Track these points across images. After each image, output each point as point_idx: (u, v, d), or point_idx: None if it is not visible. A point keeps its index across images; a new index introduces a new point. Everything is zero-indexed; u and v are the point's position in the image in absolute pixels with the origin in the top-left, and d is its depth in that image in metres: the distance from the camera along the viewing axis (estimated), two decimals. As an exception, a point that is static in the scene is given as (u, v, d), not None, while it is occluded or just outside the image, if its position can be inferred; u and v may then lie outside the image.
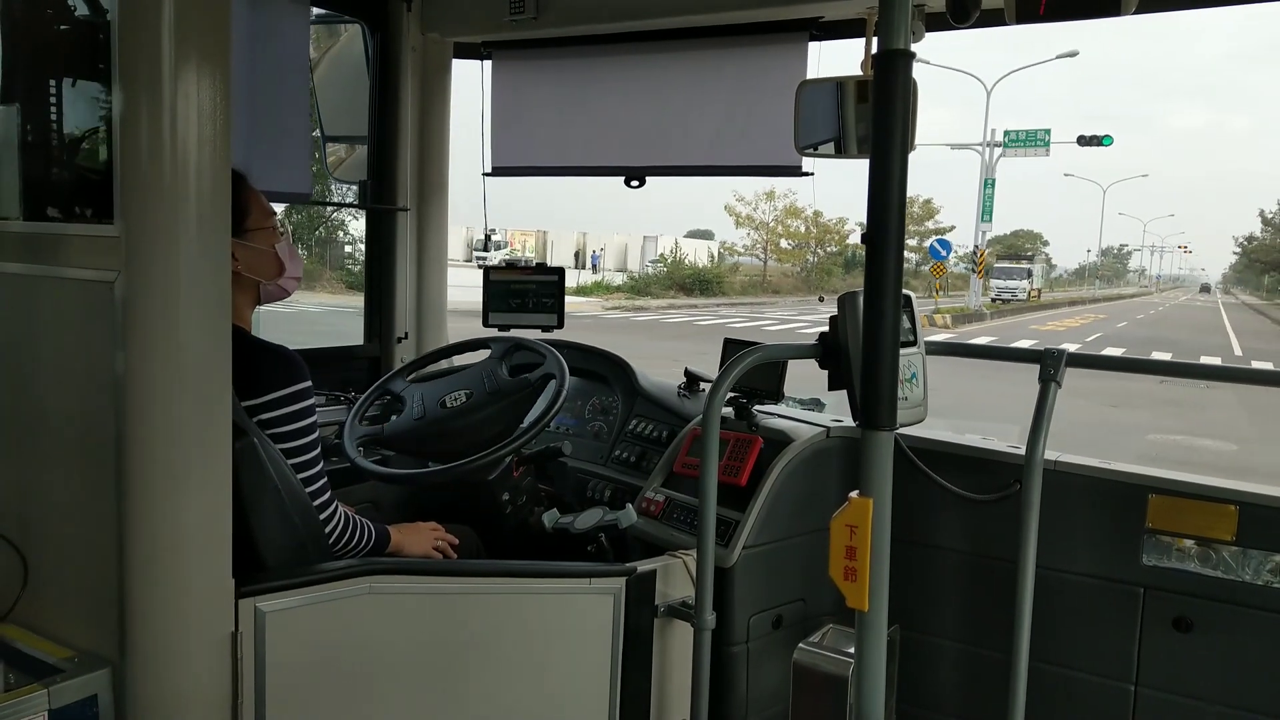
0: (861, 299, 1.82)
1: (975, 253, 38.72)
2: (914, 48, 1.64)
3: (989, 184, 36.26)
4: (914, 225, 55.31)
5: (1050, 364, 2.46)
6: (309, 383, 2.18)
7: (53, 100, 1.95)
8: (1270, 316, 53.54)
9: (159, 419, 1.69)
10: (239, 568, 1.82)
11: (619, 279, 43.88)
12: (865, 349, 1.63)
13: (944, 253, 34.42)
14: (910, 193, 1.66)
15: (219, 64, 1.70)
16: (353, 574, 1.96)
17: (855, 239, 59.99)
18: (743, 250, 57.81)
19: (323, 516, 2.19)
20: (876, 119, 1.57)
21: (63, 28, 1.97)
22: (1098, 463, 2.57)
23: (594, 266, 42.60)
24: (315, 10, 3.34)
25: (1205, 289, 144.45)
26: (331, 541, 2.22)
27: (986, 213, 36.87)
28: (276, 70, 3.16)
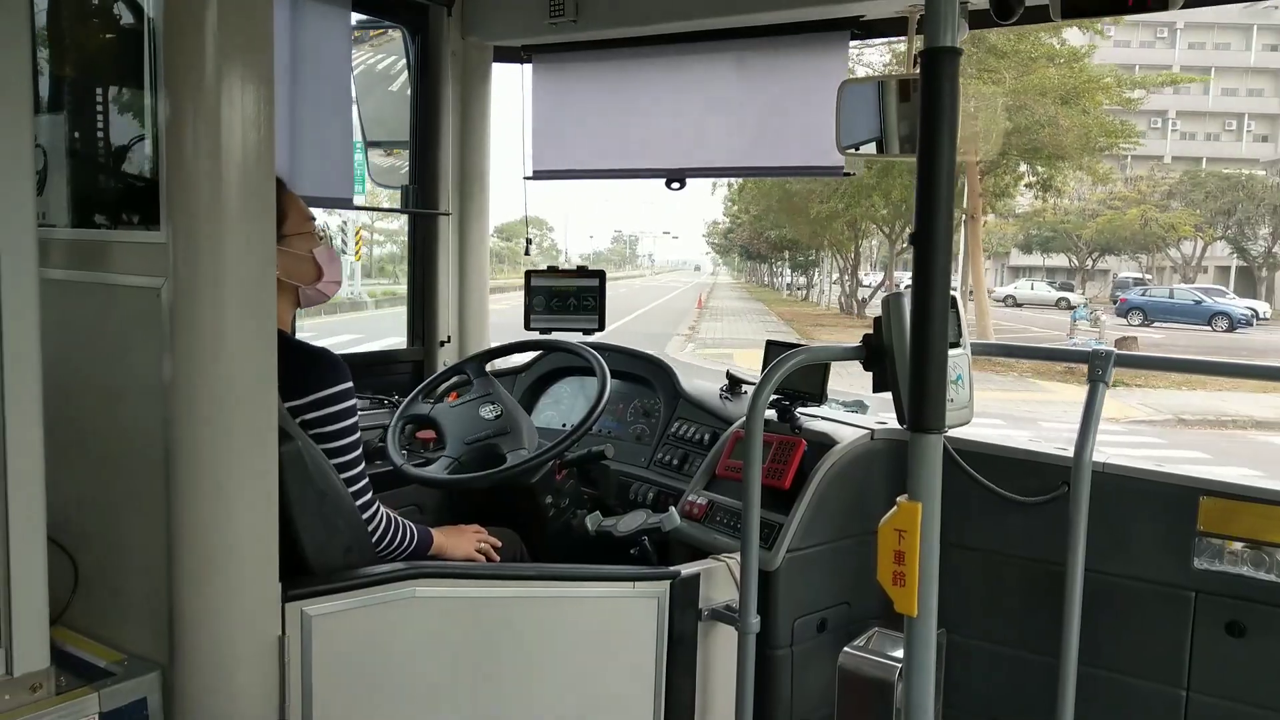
0: (906, 300, 1.80)
1: (345, 226, 33.86)
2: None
3: (358, 147, 33.97)
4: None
5: (1098, 364, 2.43)
6: (350, 384, 2.18)
7: (99, 108, 1.97)
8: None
9: (206, 424, 1.70)
10: (285, 571, 1.83)
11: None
12: (914, 350, 1.61)
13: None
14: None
15: (263, 70, 1.71)
16: (398, 578, 1.97)
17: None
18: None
19: (365, 516, 2.20)
20: (924, 118, 1.54)
21: (107, 36, 1.98)
22: (1148, 465, 2.53)
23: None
24: (356, 15, 3.36)
25: (697, 269, 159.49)
26: (375, 543, 2.23)
27: (359, 182, 35.21)
28: (318, 76, 3.18)
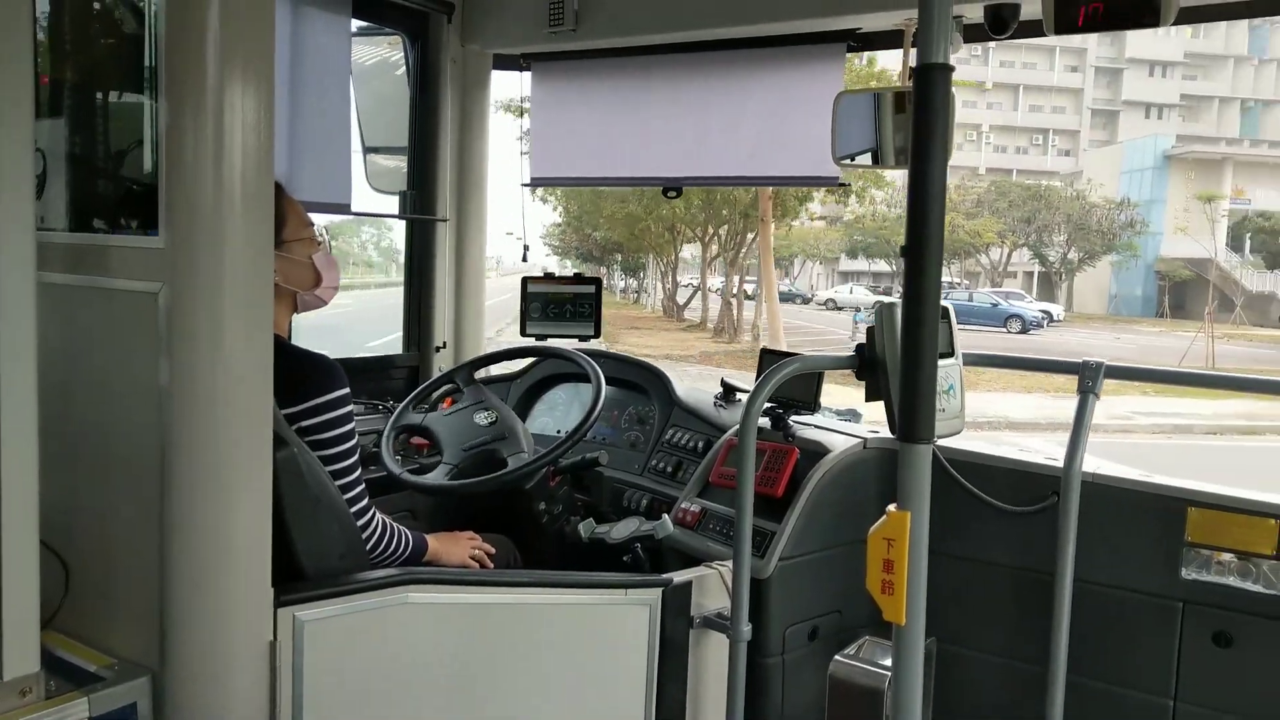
0: (899, 310, 1.81)
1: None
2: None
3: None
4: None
5: (1088, 375, 2.45)
6: (347, 390, 2.19)
7: (98, 113, 1.98)
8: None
9: (202, 429, 1.71)
10: (277, 576, 1.83)
11: None
12: (904, 360, 1.62)
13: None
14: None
15: (263, 77, 1.72)
16: (390, 584, 1.97)
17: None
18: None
19: (360, 523, 2.20)
20: (916, 132, 1.56)
21: (108, 41, 1.99)
22: (1137, 475, 2.54)
23: None
24: (356, 22, 3.37)
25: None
26: (370, 549, 2.23)
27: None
28: (318, 82, 3.19)
